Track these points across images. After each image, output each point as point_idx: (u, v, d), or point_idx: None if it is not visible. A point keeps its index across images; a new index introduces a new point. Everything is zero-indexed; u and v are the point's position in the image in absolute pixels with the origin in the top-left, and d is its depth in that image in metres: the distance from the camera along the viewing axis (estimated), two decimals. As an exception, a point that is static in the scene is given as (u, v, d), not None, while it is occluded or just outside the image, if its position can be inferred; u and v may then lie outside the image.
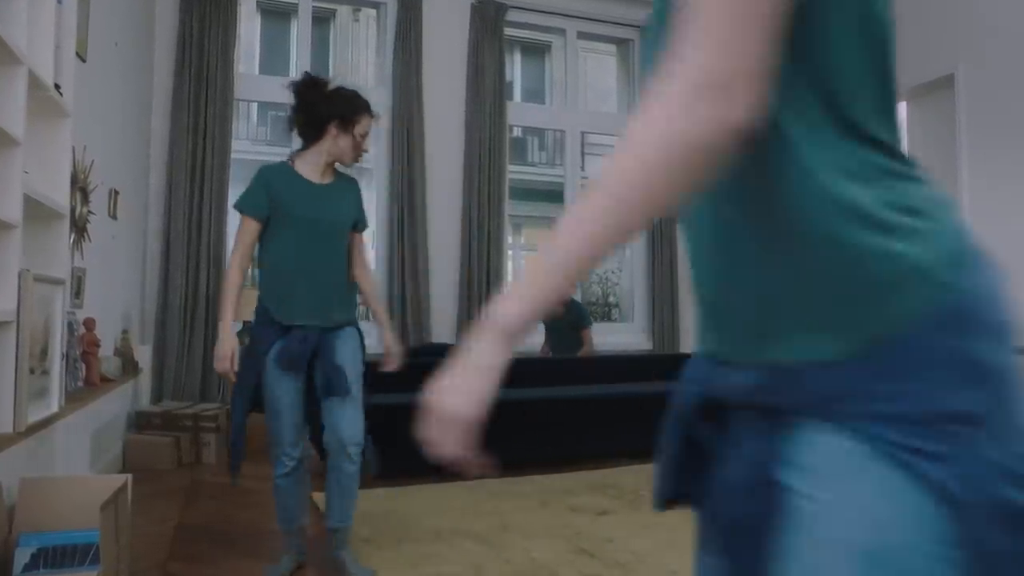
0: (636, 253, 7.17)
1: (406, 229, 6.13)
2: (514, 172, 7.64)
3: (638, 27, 7.24)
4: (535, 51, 14.17)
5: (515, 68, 13.86)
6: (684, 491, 0.93)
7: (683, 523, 3.66)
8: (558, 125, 7.48)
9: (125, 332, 4.55)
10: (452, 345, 6.09)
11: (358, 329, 2.76)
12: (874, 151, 0.75)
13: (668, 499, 0.94)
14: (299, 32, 6.70)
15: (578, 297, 6.68)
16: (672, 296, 6.97)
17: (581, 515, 3.46)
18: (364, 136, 2.73)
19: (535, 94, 13.80)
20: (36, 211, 2.79)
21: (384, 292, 6.20)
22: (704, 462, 0.90)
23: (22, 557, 2.12)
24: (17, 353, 2.15)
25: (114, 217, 4.34)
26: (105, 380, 3.61)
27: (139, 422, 4.76)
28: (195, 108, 5.62)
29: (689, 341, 6.94)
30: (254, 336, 2.67)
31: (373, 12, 8.10)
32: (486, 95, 6.45)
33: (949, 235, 0.74)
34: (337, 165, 2.78)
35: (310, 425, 2.71)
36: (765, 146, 0.74)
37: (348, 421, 2.59)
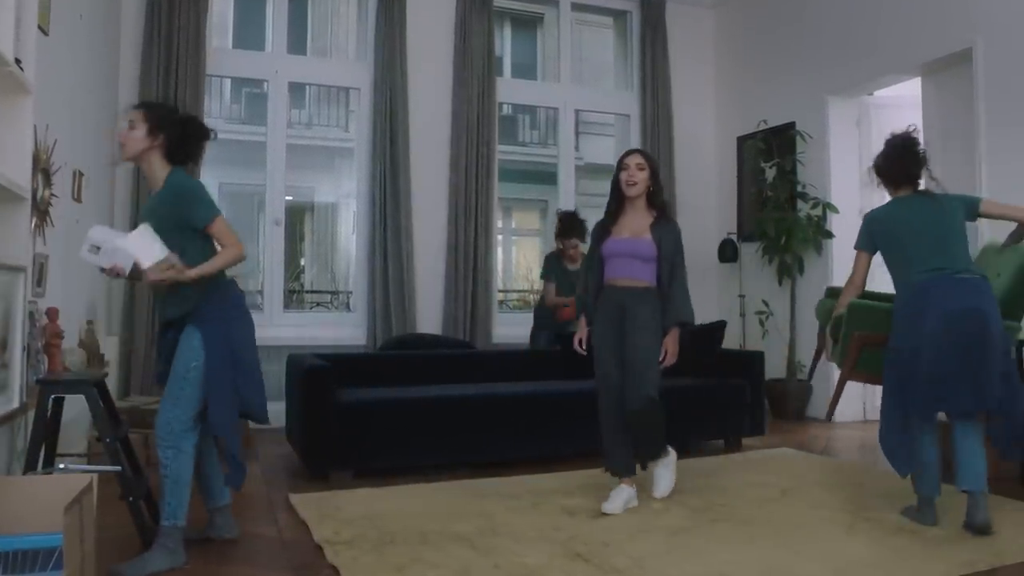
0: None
1: (389, 212, 6.11)
2: (504, 152, 7.63)
3: (636, -1, 7.22)
4: (526, 24, 14.11)
5: (505, 42, 13.80)
6: None
7: (682, 525, 3.63)
8: (551, 103, 7.47)
9: (90, 323, 4.52)
10: (438, 336, 6.08)
11: (198, 326, 2.88)
12: None
13: None
14: (275, 3, 6.65)
15: None
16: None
17: (575, 517, 3.47)
18: None
19: (526, 70, 13.74)
20: (-6, 194, 2.77)
21: (366, 278, 6.19)
22: None
23: (-19, 562, 2.11)
24: (-25, 346, 2.13)
25: (78, 200, 4.31)
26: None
27: (106, 418, 4.72)
28: (165, 84, 5.58)
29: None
30: None
31: (354, -19, 8.04)
32: (474, 70, 6.43)
33: None
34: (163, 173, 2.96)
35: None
36: None
37: (159, 414, 2.89)
